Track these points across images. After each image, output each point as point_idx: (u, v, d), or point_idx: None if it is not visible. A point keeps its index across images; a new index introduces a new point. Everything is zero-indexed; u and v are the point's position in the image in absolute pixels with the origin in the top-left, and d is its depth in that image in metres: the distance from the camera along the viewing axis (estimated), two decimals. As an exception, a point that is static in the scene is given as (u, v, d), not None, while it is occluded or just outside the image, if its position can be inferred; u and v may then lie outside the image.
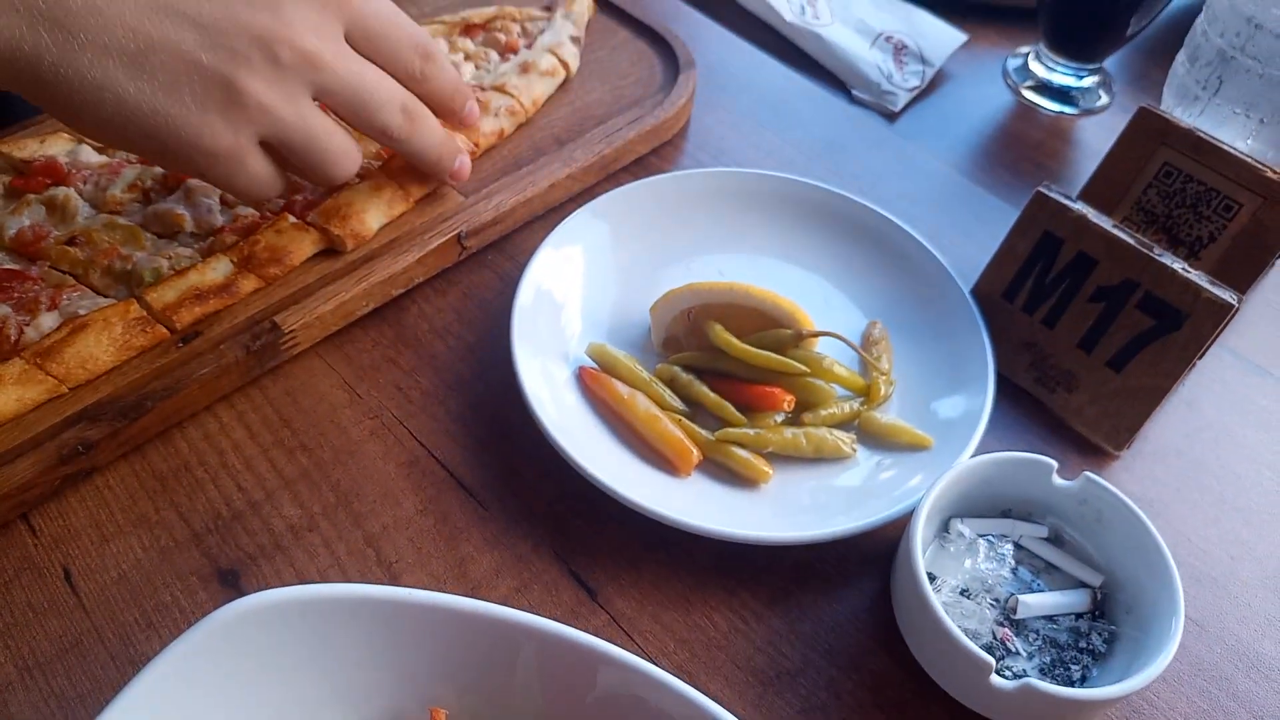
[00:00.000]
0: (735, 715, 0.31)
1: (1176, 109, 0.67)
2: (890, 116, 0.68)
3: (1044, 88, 0.71)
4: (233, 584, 0.42)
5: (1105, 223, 0.49)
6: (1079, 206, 0.49)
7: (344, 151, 0.47)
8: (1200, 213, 0.54)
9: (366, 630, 0.34)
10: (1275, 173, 0.53)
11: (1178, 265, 0.47)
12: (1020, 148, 0.68)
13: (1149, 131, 0.55)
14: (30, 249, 0.50)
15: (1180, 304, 0.46)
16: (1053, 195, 0.50)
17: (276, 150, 0.45)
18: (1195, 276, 0.46)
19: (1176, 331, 0.46)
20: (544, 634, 0.34)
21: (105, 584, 0.42)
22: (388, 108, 0.47)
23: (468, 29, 0.65)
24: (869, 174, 0.62)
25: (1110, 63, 0.74)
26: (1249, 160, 0.53)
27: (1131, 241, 0.48)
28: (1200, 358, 0.52)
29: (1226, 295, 0.46)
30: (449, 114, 0.53)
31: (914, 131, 0.67)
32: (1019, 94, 0.71)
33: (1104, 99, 0.71)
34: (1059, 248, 0.49)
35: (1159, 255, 0.47)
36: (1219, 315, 0.46)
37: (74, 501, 0.44)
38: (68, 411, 0.44)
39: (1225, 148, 0.53)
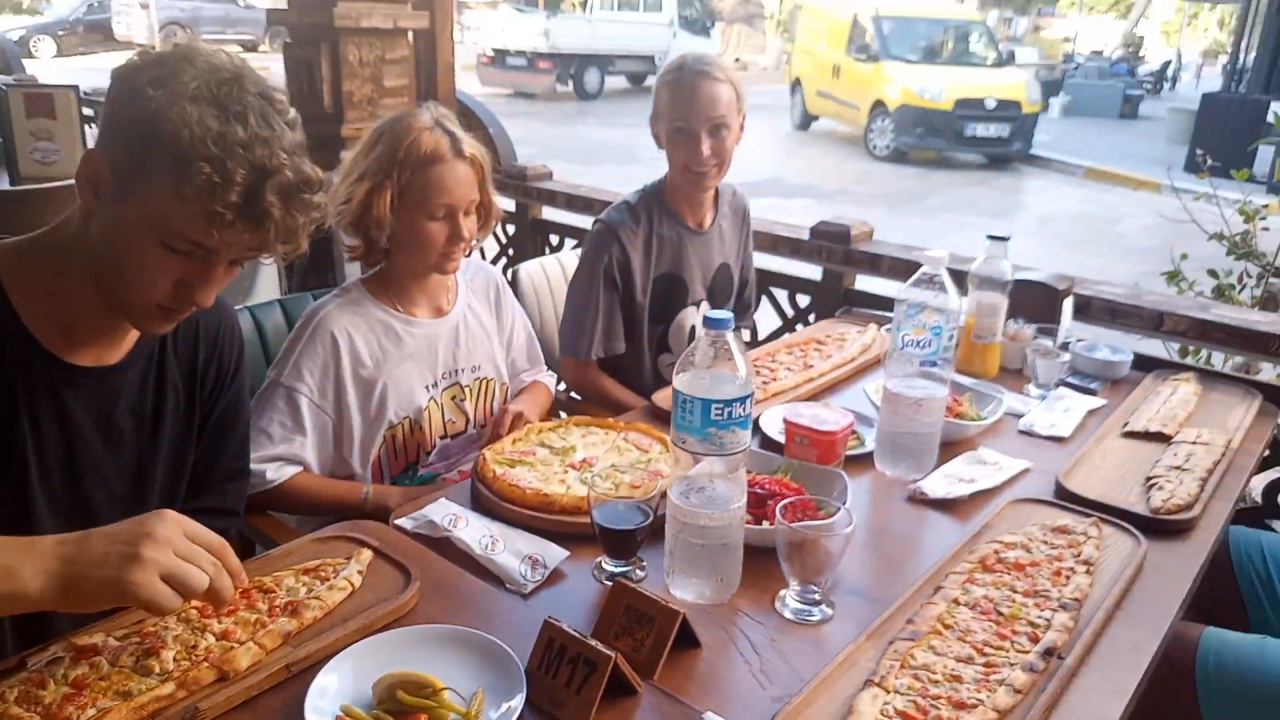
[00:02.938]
0: None
1: (674, 574, 1.35)
2: (525, 597, 1.34)
3: (610, 576, 1.39)
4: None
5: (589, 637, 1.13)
6: (571, 630, 1.13)
7: (199, 584, 1.03)
8: (642, 622, 1.19)
9: None
10: (668, 602, 1.19)
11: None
12: (595, 607, 1.33)
13: (618, 593, 1.22)
14: (79, 685, 1.08)
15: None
16: (556, 623, 1.14)
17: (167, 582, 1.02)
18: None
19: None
20: None
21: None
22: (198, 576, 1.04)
23: (305, 570, 1.30)
24: (519, 615, 1.26)
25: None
26: (655, 596, 1.20)
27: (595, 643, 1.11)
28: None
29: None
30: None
31: (542, 605, 1.32)
32: (601, 584, 1.39)
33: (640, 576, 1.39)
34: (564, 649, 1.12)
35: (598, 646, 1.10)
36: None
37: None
38: (95, 752, 1.00)
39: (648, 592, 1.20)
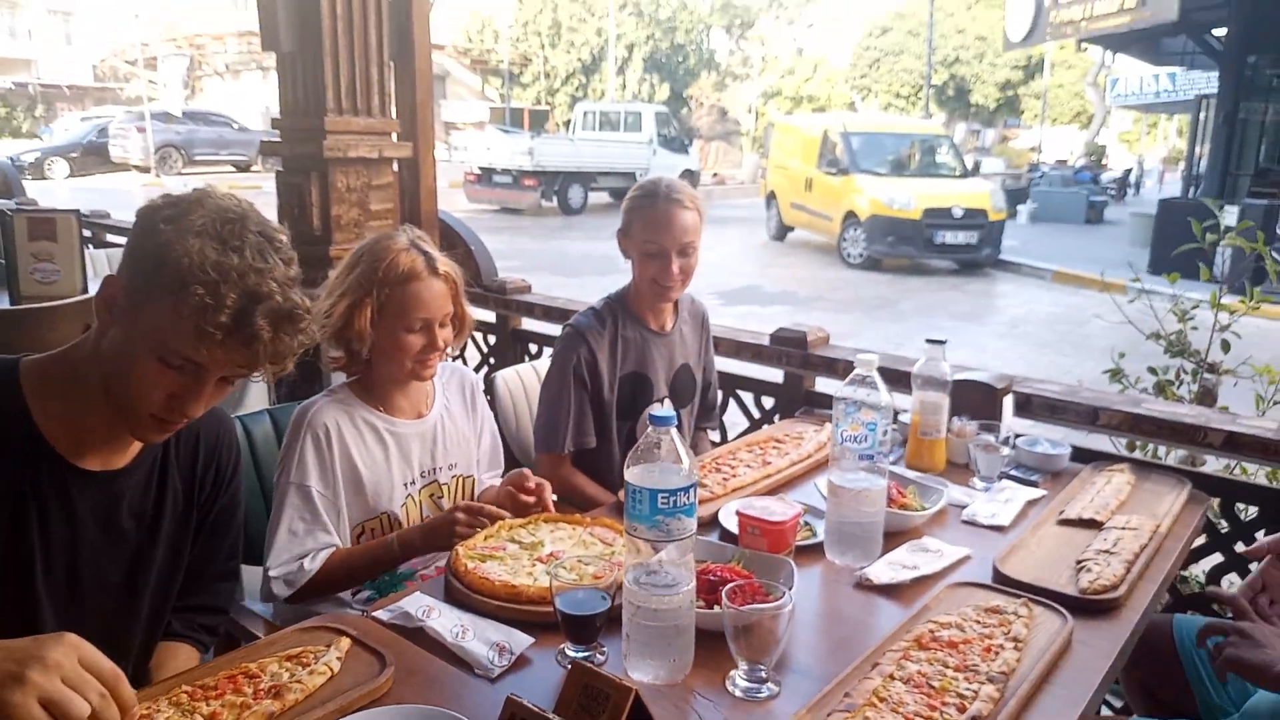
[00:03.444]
0: None
1: (630, 656, 1.45)
2: (492, 680, 1.43)
3: (572, 660, 1.49)
4: None
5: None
6: (531, 705, 1.23)
7: (79, 713, 0.98)
8: (598, 700, 1.29)
9: None
10: (623, 681, 1.29)
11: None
12: (558, 688, 1.43)
13: (577, 673, 1.32)
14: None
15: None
16: (517, 699, 1.24)
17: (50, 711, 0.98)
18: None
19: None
20: None
21: None
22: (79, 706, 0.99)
23: (288, 657, 1.40)
24: (486, 697, 1.35)
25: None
26: (611, 676, 1.30)
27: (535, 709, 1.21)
28: None
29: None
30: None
31: (508, 688, 1.42)
32: (564, 668, 1.49)
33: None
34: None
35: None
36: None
37: None
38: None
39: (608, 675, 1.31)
